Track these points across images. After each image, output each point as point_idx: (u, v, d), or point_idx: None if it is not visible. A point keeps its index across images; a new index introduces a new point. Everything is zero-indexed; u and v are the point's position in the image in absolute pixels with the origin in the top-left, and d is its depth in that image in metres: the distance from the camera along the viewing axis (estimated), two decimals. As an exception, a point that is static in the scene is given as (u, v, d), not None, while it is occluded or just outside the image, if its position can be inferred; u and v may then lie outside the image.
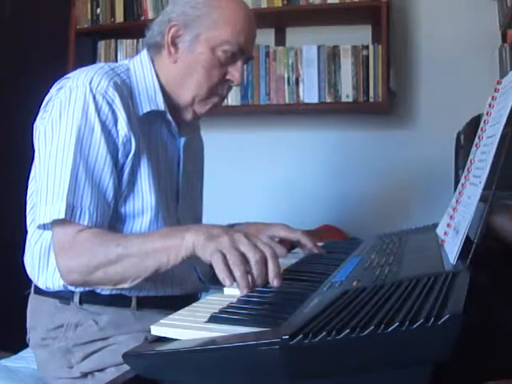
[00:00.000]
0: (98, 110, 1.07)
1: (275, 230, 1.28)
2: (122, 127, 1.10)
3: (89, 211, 1.04)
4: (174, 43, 1.17)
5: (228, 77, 1.19)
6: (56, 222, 1.04)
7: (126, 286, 1.05)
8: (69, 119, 1.07)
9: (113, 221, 1.12)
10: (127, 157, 1.11)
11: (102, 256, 1.01)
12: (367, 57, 2.31)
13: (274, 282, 0.87)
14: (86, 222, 1.04)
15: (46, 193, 1.04)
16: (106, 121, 1.08)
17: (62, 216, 1.02)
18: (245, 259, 0.87)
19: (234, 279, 0.86)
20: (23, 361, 1.31)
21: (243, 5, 1.21)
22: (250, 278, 0.86)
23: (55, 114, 1.08)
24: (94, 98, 1.08)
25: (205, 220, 1.44)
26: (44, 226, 1.08)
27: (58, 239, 1.05)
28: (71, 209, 1.03)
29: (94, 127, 1.07)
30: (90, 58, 2.55)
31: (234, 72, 1.19)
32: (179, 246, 0.96)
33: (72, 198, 1.03)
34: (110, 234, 1.07)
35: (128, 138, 1.10)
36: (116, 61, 2.53)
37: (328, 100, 2.34)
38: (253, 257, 0.87)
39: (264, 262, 0.88)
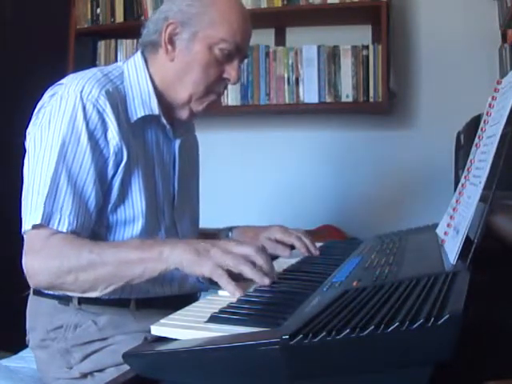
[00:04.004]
0: (86, 120, 1.07)
1: (272, 231, 1.28)
2: (114, 136, 1.09)
3: (68, 219, 1.03)
4: (171, 41, 1.17)
5: (225, 75, 1.19)
6: (32, 226, 1.03)
7: (95, 294, 1.02)
8: (56, 127, 1.06)
9: (103, 228, 1.11)
10: (118, 166, 1.11)
11: (75, 261, 0.99)
12: (367, 57, 2.31)
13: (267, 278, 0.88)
14: (64, 229, 1.03)
15: (30, 201, 1.04)
16: (95, 131, 1.08)
17: (38, 222, 1.01)
18: (245, 258, 0.89)
19: (242, 288, 0.86)
20: (23, 361, 1.31)
21: (239, 3, 1.21)
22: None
23: (45, 121, 1.08)
24: (84, 107, 1.07)
25: (204, 221, 1.44)
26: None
27: (30, 239, 1.04)
28: (48, 215, 1.02)
29: (80, 136, 1.06)
30: (90, 58, 2.55)
31: (231, 70, 1.19)
32: (157, 260, 0.95)
33: (51, 205, 1.02)
34: (84, 240, 1.04)
35: (119, 147, 1.10)
36: (116, 61, 2.53)
37: (328, 100, 2.34)
38: (250, 250, 0.90)
39: (261, 250, 0.91)
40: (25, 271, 1.04)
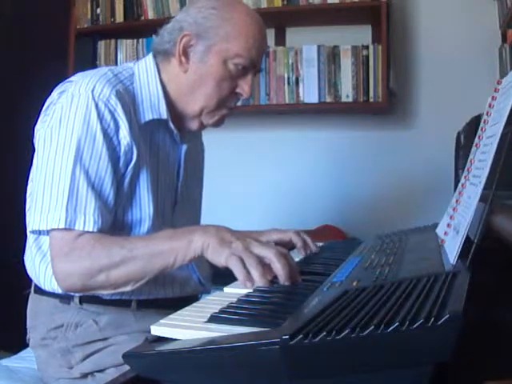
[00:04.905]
0: (99, 118, 1.06)
1: (268, 235, 1.27)
2: (124, 136, 1.09)
3: (94, 217, 1.03)
4: (185, 53, 1.15)
5: (238, 90, 1.18)
6: (55, 228, 1.03)
7: (127, 288, 1.04)
8: (69, 126, 1.06)
9: (111, 229, 1.11)
10: (128, 166, 1.11)
11: (106, 259, 1.00)
12: (367, 57, 2.31)
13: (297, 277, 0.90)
14: (91, 228, 1.03)
15: (42, 200, 1.04)
16: (108, 129, 1.07)
17: (62, 225, 1.01)
18: (261, 260, 0.89)
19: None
20: (23, 361, 1.31)
21: (256, 17, 1.18)
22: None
23: (55, 119, 1.08)
24: (97, 105, 1.06)
25: (203, 221, 1.44)
26: (39, 232, 1.07)
27: (57, 243, 1.04)
28: (72, 218, 1.02)
29: (95, 135, 1.06)
30: (90, 58, 2.55)
31: (244, 85, 1.17)
32: (186, 248, 0.97)
33: (73, 207, 1.02)
34: (111, 236, 1.05)
35: (130, 146, 1.10)
36: (116, 61, 2.54)
37: (328, 100, 2.34)
38: (269, 253, 0.89)
39: (282, 255, 0.90)
40: (55, 276, 1.05)
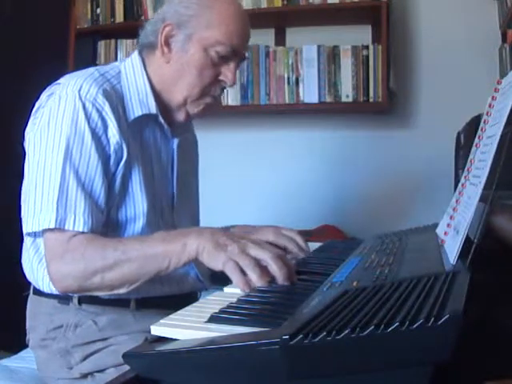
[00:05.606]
0: (87, 118, 1.07)
1: (265, 234, 1.25)
2: (113, 134, 1.09)
3: (83, 218, 1.03)
4: (167, 43, 1.17)
5: (221, 77, 1.19)
6: (47, 229, 1.04)
7: (123, 290, 1.04)
8: (57, 127, 1.06)
9: (105, 228, 1.11)
10: (119, 164, 1.11)
11: (100, 261, 1.00)
12: (367, 57, 2.31)
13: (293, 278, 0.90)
14: (81, 229, 1.03)
15: (34, 202, 1.04)
16: (96, 128, 1.08)
17: (53, 225, 1.02)
18: (257, 262, 0.89)
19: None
20: (23, 361, 1.31)
21: (237, 5, 1.20)
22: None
23: (44, 122, 1.08)
24: (84, 106, 1.07)
25: (204, 221, 1.44)
26: (35, 234, 1.08)
27: (50, 245, 1.04)
28: (62, 218, 1.02)
29: (84, 135, 1.06)
30: (90, 58, 2.55)
31: (227, 73, 1.18)
32: (181, 252, 0.96)
33: (63, 207, 1.03)
34: (105, 238, 1.05)
35: (119, 144, 1.10)
36: (116, 61, 2.54)
37: (328, 100, 2.34)
38: (266, 255, 0.90)
39: (279, 257, 0.90)
40: (50, 277, 1.05)
